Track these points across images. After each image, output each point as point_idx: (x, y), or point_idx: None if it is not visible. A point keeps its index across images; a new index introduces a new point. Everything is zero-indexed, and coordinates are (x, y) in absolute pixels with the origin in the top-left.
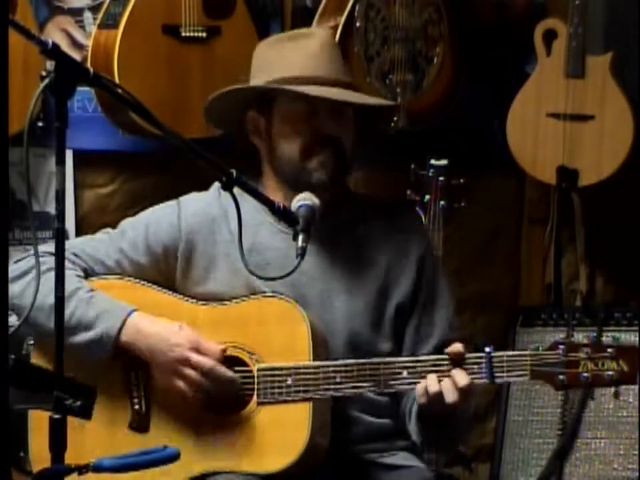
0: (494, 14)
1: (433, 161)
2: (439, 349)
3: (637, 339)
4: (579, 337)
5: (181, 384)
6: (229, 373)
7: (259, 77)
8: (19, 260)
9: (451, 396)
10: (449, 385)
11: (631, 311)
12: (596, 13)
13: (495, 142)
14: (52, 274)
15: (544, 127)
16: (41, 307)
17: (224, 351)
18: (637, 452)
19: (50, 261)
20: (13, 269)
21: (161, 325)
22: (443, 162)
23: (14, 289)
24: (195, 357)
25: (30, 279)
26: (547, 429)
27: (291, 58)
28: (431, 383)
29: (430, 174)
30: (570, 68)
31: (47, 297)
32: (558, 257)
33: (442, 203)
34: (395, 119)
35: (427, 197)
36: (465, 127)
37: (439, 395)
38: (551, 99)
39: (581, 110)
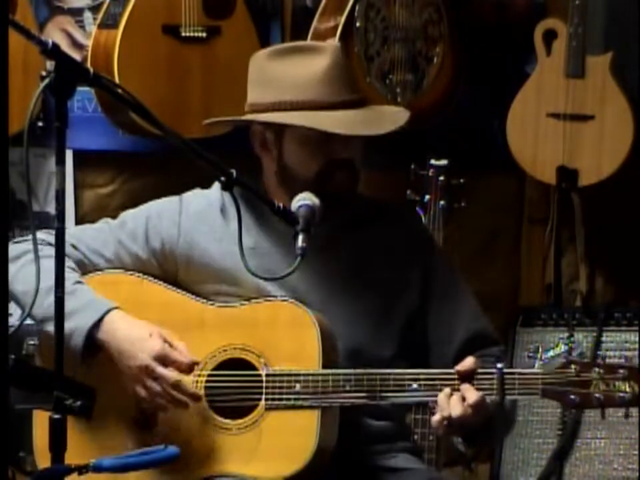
0: (494, 14)
1: (433, 161)
2: (469, 343)
3: (637, 338)
4: (579, 336)
5: (142, 392)
6: (191, 390)
7: (263, 93)
8: (17, 242)
9: (457, 409)
10: (455, 399)
11: (630, 310)
12: (596, 13)
13: (495, 142)
14: (43, 261)
15: (544, 126)
16: (29, 292)
17: (195, 363)
18: (636, 452)
19: (46, 249)
20: (10, 250)
21: (133, 328)
22: (443, 162)
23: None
24: (159, 370)
25: (22, 262)
26: (546, 429)
27: (300, 77)
28: (443, 406)
29: (430, 174)
30: (570, 68)
31: (39, 282)
32: (558, 256)
33: (442, 202)
34: None
35: (427, 197)
36: (464, 127)
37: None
38: (551, 99)
39: (581, 110)
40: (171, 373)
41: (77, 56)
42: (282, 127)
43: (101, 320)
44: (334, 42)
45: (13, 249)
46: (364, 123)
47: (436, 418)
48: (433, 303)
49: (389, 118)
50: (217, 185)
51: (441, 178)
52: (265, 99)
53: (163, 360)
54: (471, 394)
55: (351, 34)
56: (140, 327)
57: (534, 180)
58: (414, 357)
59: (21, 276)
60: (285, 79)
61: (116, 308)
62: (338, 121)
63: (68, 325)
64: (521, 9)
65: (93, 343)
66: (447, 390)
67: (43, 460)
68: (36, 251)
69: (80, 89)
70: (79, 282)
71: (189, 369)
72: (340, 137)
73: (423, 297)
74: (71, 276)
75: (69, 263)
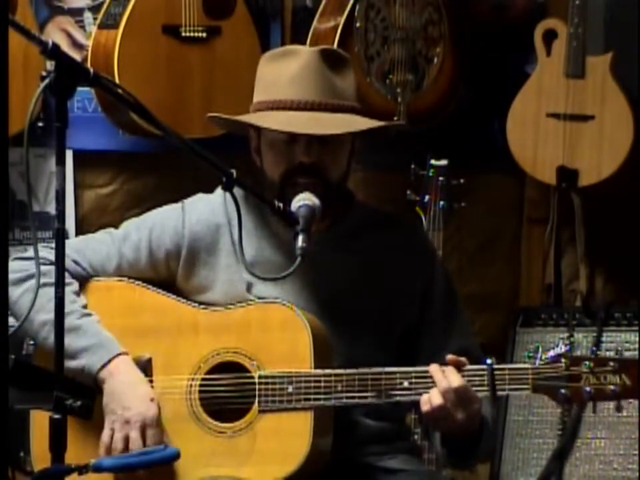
0: (494, 14)
1: (432, 161)
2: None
3: (637, 338)
4: (579, 337)
5: (105, 438)
6: (143, 476)
7: (255, 95)
8: (19, 258)
9: (456, 379)
10: (452, 369)
11: (630, 310)
12: (596, 13)
13: (495, 142)
14: (47, 290)
15: (544, 126)
16: (31, 320)
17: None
18: (636, 452)
19: (48, 274)
20: (14, 269)
21: (138, 383)
22: (443, 162)
23: (13, 293)
24: (134, 434)
25: (27, 287)
26: (546, 429)
27: (274, 79)
28: (438, 377)
29: (430, 174)
30: (570, 68)
31: (38, 312)
32: (558, 257)
33: (442, 203)
34: (395, 118)
35: (427, 197)
36: (464, 127)
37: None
38: (551, 99)
39: (581, 110)
40: (138, 444)
41: (76, 56)
42: (260, 131)
43: (108, 361)
44: (314, 47)
45: (18, 268)
46: (314, 124)
47: (424, 397)
48: (429, 318)
49: (346, 123)
50: (219, 191)
51: (441, 178)
52: (254, 99)
53: (144, 428)
54: (455, 377)
55: (350, 34)
56: (144, 385)
57: (534, 180)
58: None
59: (23, 301)
60: (265, 80)
61: (125, 354)
62: (286, 120)
63: (77, 363)
64: (521, 9)
65: (97, 382)
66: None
67: (39, 464)
68: (36, 251)
69: (80, 89)
70: (85, 315)
71: (156, 444)
72: (300, 140)
73: (421, 311)
74: (76, 307)
75: (73, 287)
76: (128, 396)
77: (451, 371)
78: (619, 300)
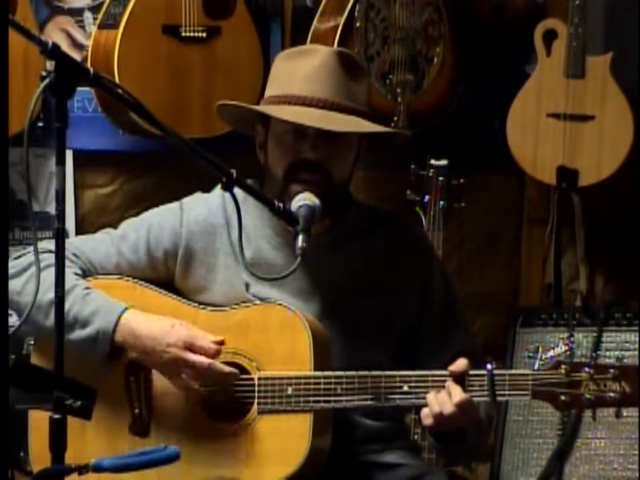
0: (494, 14)
1: (433, 161)
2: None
3: (637, 338)
4: (579, 336)
5: (180, 382)
6: (227, 368)
7: (267, 90)
8: (18, 257)
9: (448, 407)
10: (445, 397)
11: (630, 311)
12: (596, 13)
13: (495, 142)
14: (51, 270)
15: (544, 127)
16: (38, 304)
17: (219, 343)
18: (637, 452)
19: (49, 258)
20: (12, 265)
21: (153, 323)
22: (443, 162)
23: (13, 285)
24: (191, 357)
25: (29, 275)
26: (546, 429)
27: (290, 75)
28: (432, 402)
29: (430, 174)
30: (570, 68)
31: (45, 294)
32: (558, 257)
33: (442, 202)
34: (395, 119)
35: (427, 197)
36: (464, 127)
37: (441, 414)
38: (551, 99)
39: (581, 110)
40: (202, 358)
41: (77, 56)
42: (268, 126)
43: (118, 321)
44: (332, 47)
45: (18, 263)
46: (325, 120)
47: (425, 411)
48: (428, 319)
49: (355, 125)
50: (218, 191)
51: (441, 178)
52: (267, 93)
53: (191, 347)
54: (456, 392)
55: (350, 34)
56: (158, 320)
57: (534, 180)
58: (404, 368)
59: (29, 288)
60: (281, 76)
61: (128, 308)
62: (298, 114)
63: (90, 330)
64: (521, 10)
65: (113, 346)
66: (435, 391)
67: (38, 464)
68: (36, 251)
69: (80, 89)
70: (88, 287)
71: (216, 352)
72: (308, 135)
73: (419, 311)
74: (80, 283)
75: (75, 269)
76: (155, 344)
77: (445, 397)
78: (619, 300)
